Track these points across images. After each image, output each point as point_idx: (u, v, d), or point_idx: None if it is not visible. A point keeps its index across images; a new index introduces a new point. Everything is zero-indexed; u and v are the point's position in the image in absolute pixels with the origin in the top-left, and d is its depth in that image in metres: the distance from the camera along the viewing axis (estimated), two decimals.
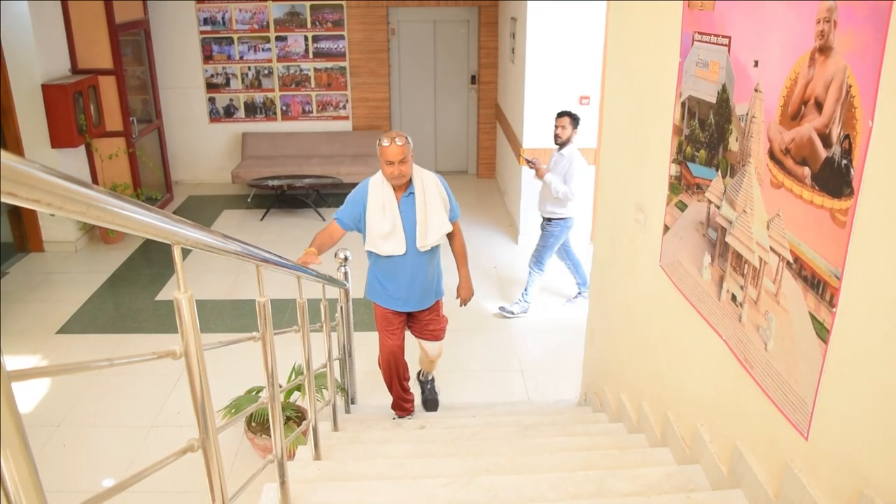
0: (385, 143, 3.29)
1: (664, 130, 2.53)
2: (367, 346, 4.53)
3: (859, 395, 1.47)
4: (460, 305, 3.80)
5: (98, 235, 6.90)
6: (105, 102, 6.85)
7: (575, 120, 4.82)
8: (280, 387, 2.20)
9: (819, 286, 1.59)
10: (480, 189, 8.42)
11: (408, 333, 3.82)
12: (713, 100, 2.13)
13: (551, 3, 5.85)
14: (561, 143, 4.88)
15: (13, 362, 4.69)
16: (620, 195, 3.17)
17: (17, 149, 6.19)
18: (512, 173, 7.16)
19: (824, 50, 1.54)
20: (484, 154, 8.72)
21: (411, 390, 3.96)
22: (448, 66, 8.51)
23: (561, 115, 4.86)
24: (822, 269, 1.57)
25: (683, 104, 2.37)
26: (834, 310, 1.53)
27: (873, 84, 1.38)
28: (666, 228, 2.57)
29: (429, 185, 3.47)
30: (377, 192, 3.43)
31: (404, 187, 3.44)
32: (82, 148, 6.61)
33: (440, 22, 8.30)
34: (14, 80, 6.11)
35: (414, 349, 3.98)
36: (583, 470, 2.24)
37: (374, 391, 4.30)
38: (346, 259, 3.76)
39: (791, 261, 1.70)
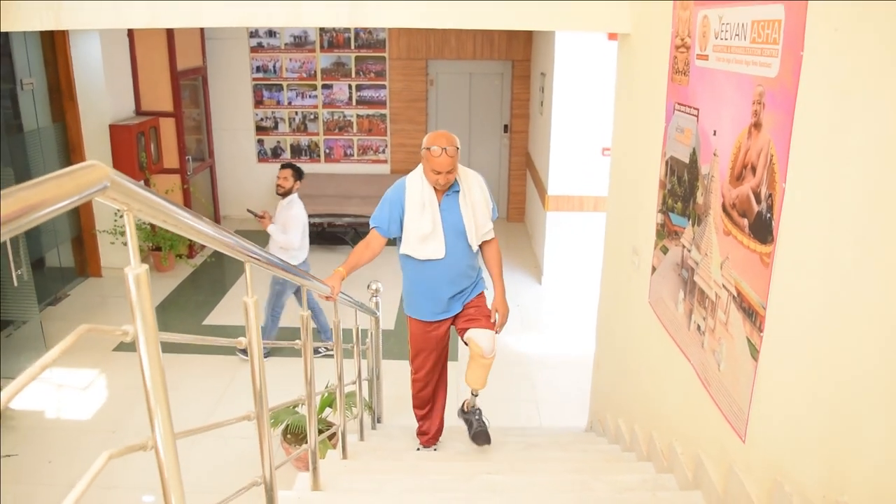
0: (435, 150, 3.11)
1: (653, 184, 2.92)
2: (393, 372, 4.93)
3: (779, 403, 1.83)
4: (495, 328, 3.39)
5: (152, 264, 7.45)
6: (164, 142, 7.46)
7: (298, 172, 5.14)
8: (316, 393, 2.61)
9: (752, 315, 1.96)
10: (510, 232, 8.83)
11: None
12: (687, 160, 2.53)
13: (577, 61, 6.32)
14: (283, 194, 5.14)
15: (76, 375, 5.21)
16: (621, 240, 3.55)
17: None
18: (538, 218, 7.56)
19: (757, 125, 1.94)
20: (514, 199, 9.16)
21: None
22: (482, 115, 9.01)
23: (284, 167, 5.18)
24: (755, 301, 1.94)
25: (667, 163, 2.77)
26: (762, 334, 1.90)
27: (785, 154, 1.77)
28: (653, 269, 2.95)
29: (473, 183, 3.33)
30: (416, 190, 3.24)
31: (447, 186, 3.26)
32: (142, 183, 7.19)
33: (476, 74, 8.83)
34: (84, 119, 6.74)
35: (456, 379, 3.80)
36: (569, 473, 2.60)
37: (399, 413, 4.68)
38: (377, 290, 4.18)
39: (735, 295, 2.07)
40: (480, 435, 3.52)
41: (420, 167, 3.29)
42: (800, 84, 1.69)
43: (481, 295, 3.51)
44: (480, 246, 3.43)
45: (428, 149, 3.16)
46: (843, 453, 1.48)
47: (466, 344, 3.41)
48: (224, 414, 4.45)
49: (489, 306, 3.47)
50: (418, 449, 3.74)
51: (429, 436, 3.72)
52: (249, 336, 1.65)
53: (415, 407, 3.71)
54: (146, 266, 1.06)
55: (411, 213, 3.22)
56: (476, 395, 3.59)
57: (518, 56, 8.56)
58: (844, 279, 1.49)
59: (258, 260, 1.71)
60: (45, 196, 0.77)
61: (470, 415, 3.63)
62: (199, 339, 1.51)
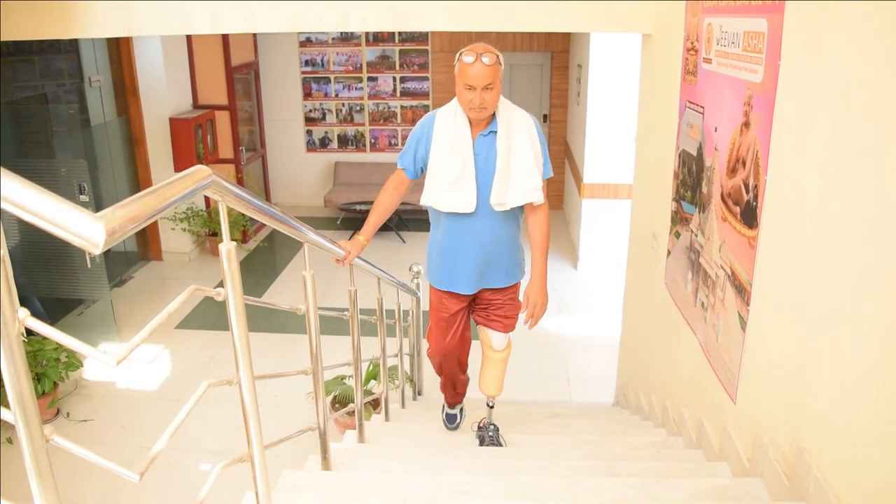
0: (467, 58, 2.46)
1: (668, 174, 3.18)
2: None
3: (760, 366, 2.10)
4: (527, 322, 2.80)
5: (208, 248, 7.92)
6: (219, 133, 7.90)
7: None
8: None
9: (742, 291, 2.22)
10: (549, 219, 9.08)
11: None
12: (695, 153, 2.79)
13: (611, 54, 6.54)
14: None
15: (143, 350, 5.68)
16: (643, 226, 3.81)
17: (146, 172, 7.29)
18: (575, 205, 7.81)
19: (747, 124, 2.20)
20: (553, 187, 9.40)
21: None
22: (522, 104, 9.12)
23: None
24: (744, 279, 2.21)
25: (679, 155, 3.03)
26: (748, 307, 2.17)
27: (766, 150, 2.03)
28: (668, 253, 3.22)
29: (517, 123, 2.64)
30: (447, 125, 2.62)
31: (485, 123, 2.63)
32: (233, 181, 7.64)
33: (516, 66, 9.08)
34: (146, 114, 7.21)
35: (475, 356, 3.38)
36: (587, 436, 2.90)
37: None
38: (418, 273, 4.50)
39: (730, 274, 2.34)
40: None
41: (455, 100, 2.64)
42: (777, 89, 1.95)
43: (515, 287, 2.89)
44: (525, 211, 2.78)
45: (458, 58, 2.51)
46: (801, 406, 1.76)
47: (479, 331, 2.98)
48: (282, 385, 4.86)
49: (521, 299, 2.87)
50: (443, 411, 3.28)
51: (451, 396, 3.23)
52: (307, 304, 1.99)
53: (436, 370, 3.14)
54: (234, 243, 1.39)
55: (438, 151, 2.63)
56: (492, 407, 3.08)
57: (557, 47, 8.78)
58: (806, 260, 1.76)
59: (312, 241, 2.05)
60: (170, 193, 1.10)
61: (484, 431, 3.11)
62: (268, 304, 1.86)
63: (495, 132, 2.63)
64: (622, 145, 6.69)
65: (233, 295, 1.37)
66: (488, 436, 3.06)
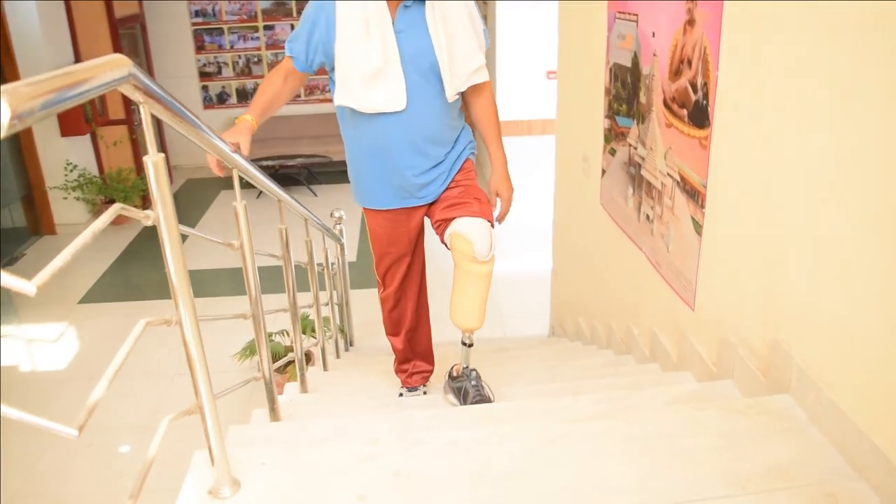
0: None
1: (598, 92, 3.09)
2: (357, 302, 5.12)
3: (720, 267, 2.05)
4: (499, 220, 2.43)
5: None
6: (108, 93, 7.33)
7: None
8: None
9: (695, 195, 2.16)
10: None
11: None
12: (629, 64, 2.70)
13: None
14: None
15: (43, 330, 5.26)
16: (572, 151, 3.74)
17: (29, 138, 6.70)
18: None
19: (691, 22, 2.11)
20: None
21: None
22: None
23: None
24: (696, 182, 2.15)
25: (611, 70, 2.94)
26: (704, 210, 2.11)
27: (716, 44, 1.95)
28: (603, 172, 3.15)
29: None
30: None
31: None
32: (89, 136, 7.11)
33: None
34: (24, 73, 6.58)
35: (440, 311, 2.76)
36: (538, 362, 2.83)
37: (370, 336, 4.87)
38: (340, 219, 4.30)
39: (679, 180, 2.28)
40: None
41: None
42: None
43: (468, 165, 2.41)
44: (465, 95, 2.33)
45: None
46: (775, 298, 1.71)
47: (448, 247, 2.31)
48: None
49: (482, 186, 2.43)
50: (401, 394, 2.71)
51: (412, 372, 2.70)
52: (241, 238, 1.79)
53: (388, 334, 2.67)
54: (162, 154, 1.19)
55: (348, 35, 2.08)
56: (469, 345, 2.43)
57: None
58: (770, 148, 1.69)
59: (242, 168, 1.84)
60: (83, 76, 0.89)
61: (462, 381, 2.44)
62: (201, 235, 1.65)
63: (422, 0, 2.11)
64: (534, 81, 6.61)
65: (164, 215, 1.17)
66: (471, 386, 2.37)
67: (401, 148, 2.23)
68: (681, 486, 1.37)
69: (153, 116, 1.19)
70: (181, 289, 1.26)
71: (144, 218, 1.18)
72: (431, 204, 2.40)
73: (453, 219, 2.27)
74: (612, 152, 2.98)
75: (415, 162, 2.26)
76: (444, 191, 2.36)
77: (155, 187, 1.16)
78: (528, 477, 1.41)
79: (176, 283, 1.25)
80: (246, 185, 1.92)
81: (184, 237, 1.27)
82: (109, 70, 0.94)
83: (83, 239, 0.99)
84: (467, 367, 2.46)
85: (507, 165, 2.45)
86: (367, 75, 2.08)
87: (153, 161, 1.14)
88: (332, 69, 2.20)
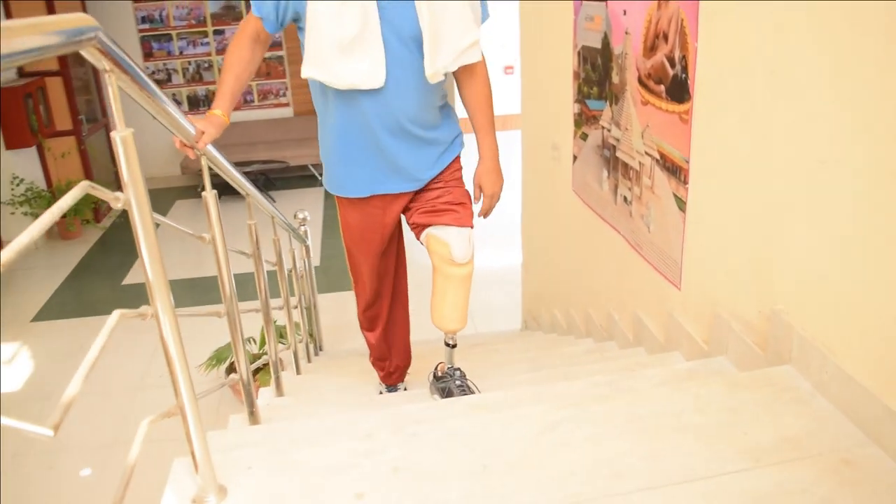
0: None
1: (567, 77, 3.05)
2: (324, 305, 5.00)
3: (708, 242, 2.01)
4: (482, 214, 2.28)
5: (56, 232, 7.13)
6: (53, 103, 7.07)
7: None
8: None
9: (677, 172, 2.12)
10: None
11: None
12: (599, 45, 2.66)
13: None
14: None
15: None
16: (540, 140, 3.69)
17: None
18: None
19: None
20: None
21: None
22: None
23: None
24: (678, 158, 2.11)
25: (579, 53, 2.89)
26: (687, 186, 2.07)
27: (695, 16, 1.91)
28: (574, 158, 3.10)
29: None
30: None
31: None
32: (35, 148, 6.84)
33: None
34: None
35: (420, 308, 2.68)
36: (518, 353, 2.77)
37: (339, 342, 4.76)
38: (305, 220, 4.19)
39: (658, 158, 2.24)
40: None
41: None
42: None
43: (455, 164, 2.24)
44: (457, 76, 2.12)
45: None
46: (771, 268, 1.67)
47: (425, 245, 2.22)
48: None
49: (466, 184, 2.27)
50: (381, 392, 2.66)
51: (390, 370, 2.63)
52: (213, 230, 1.68)
53: (363, 329, 2.57)
54: (132, 129, 1.08)
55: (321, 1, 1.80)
56: (452, 346, 2.35)
57: None
58: (757, 119, 1.66)
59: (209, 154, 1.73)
60: (45, 28, 0.79)
61: (447, 381, 2.33)
62: (172, 224, 1.54)
63: None
64: (492, 77, 6.55)
65: (135, 196, 1.06)
66: (455, 385, 2.28)
67: (379, 128, 2.01)
68: (694, 463, 1.31)
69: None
70: (156, 278, 1.16)
71: (114, 200, 1.08)
72: (411, 200, 2.24)
73: (431, 225, 2.18)
74: (584, 137, 2.94)
75: (395, 145, 2.06)
76: (424, 189, 2.21)
77: (125, 166, 1.06)
78: (535, 463, 1.34)
79: (151, 272, 1.15)
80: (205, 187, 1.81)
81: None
82: (71, 25, 0.83)
83: (49, 218, 0.89)
84: (451, 367, 2.38)
85: (498, 157, 2.24)
86: (341, 43, 1.80)
87: (122, 136, 1.04)
88: (302, 29, 1.91)
